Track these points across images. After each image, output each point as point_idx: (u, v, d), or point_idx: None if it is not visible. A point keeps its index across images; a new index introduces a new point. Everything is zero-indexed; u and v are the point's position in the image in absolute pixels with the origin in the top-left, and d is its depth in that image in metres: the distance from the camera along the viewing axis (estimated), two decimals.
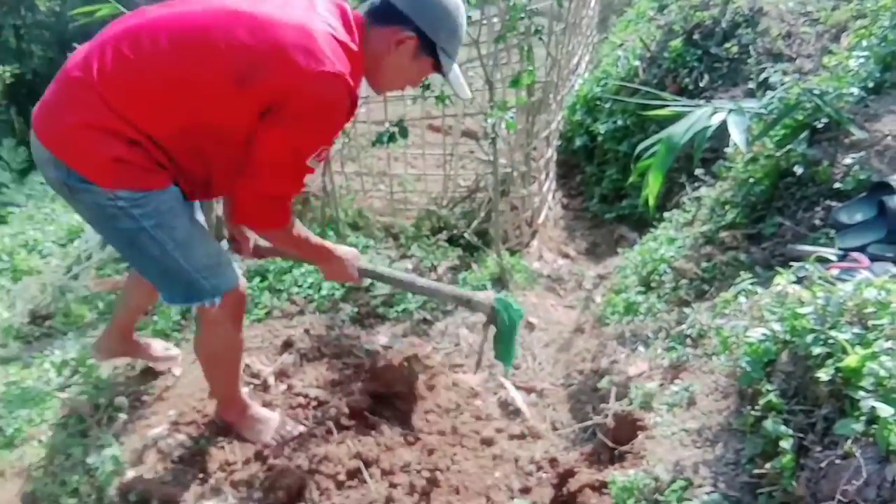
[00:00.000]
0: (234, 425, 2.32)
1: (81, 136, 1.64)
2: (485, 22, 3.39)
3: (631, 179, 2.74)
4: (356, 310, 3.03)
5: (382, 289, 3.25)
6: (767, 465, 1.45)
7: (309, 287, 3.12)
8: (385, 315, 3.05)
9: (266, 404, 2.44)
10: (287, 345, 2.75)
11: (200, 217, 2.08)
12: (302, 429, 2.31)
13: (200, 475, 2.19)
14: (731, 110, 2.47)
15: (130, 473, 2.19)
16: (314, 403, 2.43)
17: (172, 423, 2.37)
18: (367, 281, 2.65)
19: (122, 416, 2.43)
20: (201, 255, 1.88)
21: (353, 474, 2.14)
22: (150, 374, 2.65)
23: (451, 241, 3.71)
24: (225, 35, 1.62)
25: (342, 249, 2.13)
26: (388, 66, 1.83)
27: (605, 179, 4.40)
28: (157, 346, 2.66)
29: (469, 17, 2.87)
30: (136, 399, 2.53)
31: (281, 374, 2.61)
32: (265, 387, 2.55)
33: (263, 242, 2.22)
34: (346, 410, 2.33)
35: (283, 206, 1.83)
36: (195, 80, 1.64)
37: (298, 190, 1.88)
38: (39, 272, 3.64)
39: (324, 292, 3.08)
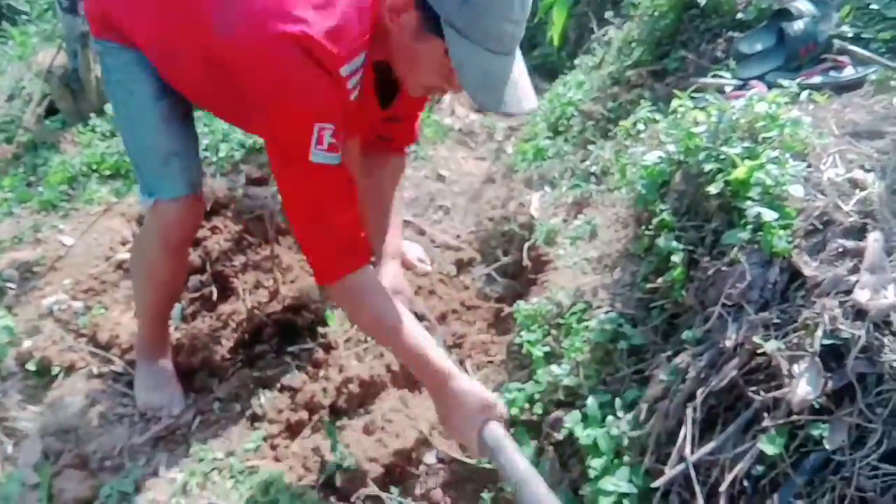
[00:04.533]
0: (137, 358, 2.00)
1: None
2: None
3: (536, 18, 2.63)
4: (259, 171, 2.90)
5: None
6: (659, 280, 1.50)
7: (205, 150, 2.94)
8: None
9: None
10: None
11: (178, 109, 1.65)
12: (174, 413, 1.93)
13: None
14: None
15: (27, 343, 2.09)
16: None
17: (68, 292, 2.26)
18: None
19: (13, 288, 2.30)
20: (147, 140, 1.60)
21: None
22: (38, 245, 2.50)
23: None
24: None
25: (462, 386, 1.43)
26: (399, 52, 1.36)
27: None
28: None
29: None
30: (26, 270, 2.39)
31: None
32: None
33: None
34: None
35: (334, 231, 1.39)
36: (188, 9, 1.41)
37: (327, 196, 1.39)
38: None
39: (222, 154, 2.92)
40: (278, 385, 1.97)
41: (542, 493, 1.30)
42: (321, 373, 1.96)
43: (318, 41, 1.26)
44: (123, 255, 2.39)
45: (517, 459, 1.36)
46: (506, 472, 1.36)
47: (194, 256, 2.34)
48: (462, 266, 2.50)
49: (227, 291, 2.30)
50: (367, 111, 1.54)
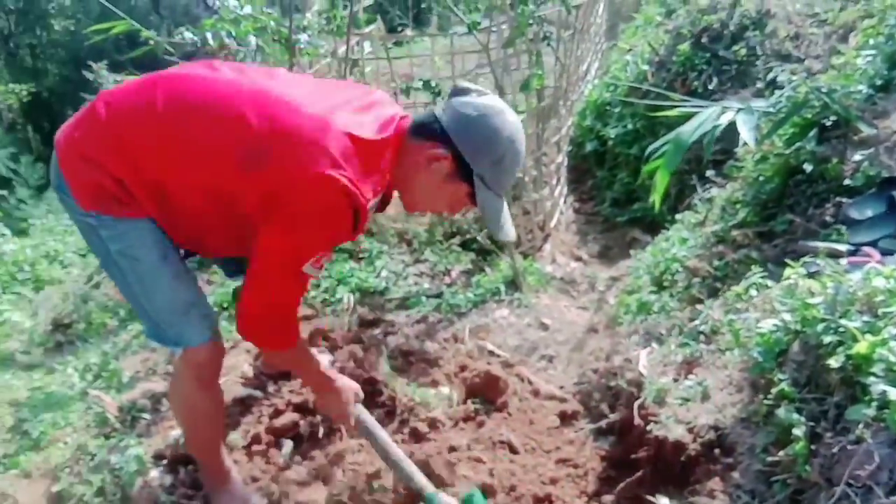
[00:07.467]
0: (207, 492, 2.14)
1: (79, 161, 1.61)
2: (494, 28, 3.44)
3: (641, 178, 2.77)
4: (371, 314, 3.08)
5: (396, 293, 3.29)
6: (781, 453, 1.47)
7: (324, 292, 3.16)
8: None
9: None
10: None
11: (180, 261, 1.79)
12: None
13: None
14: (739, 109, 2.50)
15: (154, 473, 2.23)
16: None
17: None
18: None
19: (145, 418, 2.47)
20: (165, 298, 1.71)
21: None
22: (169, 377, 2.70)
23: (465, 245, 3.76)
24: (236, 112, 1.54)
25: (342, 381, 1.94)
26: (418, 184, 1.65)
27: (617, 183, 4.43)
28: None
29: (478, 23, 2.95)
30: (157, 401, 2.58)
31: None
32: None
33: None
34: None
35: (286, 321, 1.70)
36: (204, 147, 1.57)
37: (296, 297, 1.71)
38: (61, 282, 3.72)
39: (339, 296, 3.13)
40: None
41: (413, 470, 1.89)
42: None
43: (355, 188, 1.49)
44: (243, 391, 2.55)
45: (387, 441, 1.94)
46: (381, 451, 1.93)
47: (307, 394, 2.47)
48: (565, 419, 2.50)
49: (334, 430, 2.39)
50: None
